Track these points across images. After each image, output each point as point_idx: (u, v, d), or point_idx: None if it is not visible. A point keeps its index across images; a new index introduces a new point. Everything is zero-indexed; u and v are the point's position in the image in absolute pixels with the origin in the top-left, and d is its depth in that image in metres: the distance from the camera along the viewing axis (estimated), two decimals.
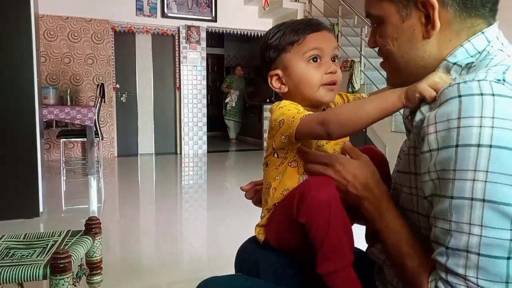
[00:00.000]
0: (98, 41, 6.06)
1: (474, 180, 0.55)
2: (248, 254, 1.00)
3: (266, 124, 7.24)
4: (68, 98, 5.67)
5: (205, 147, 6.92)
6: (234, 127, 8.48)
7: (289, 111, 0.84)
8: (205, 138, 6.93)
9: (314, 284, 0.82)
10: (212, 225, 3.28)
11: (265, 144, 7.23)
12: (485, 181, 0.55)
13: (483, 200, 0.55)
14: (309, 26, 0.90)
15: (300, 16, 6.44)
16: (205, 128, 6.93)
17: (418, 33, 0.69)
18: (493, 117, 0.55)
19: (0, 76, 2.91)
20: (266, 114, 7.24)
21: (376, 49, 0.79)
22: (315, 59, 0.89)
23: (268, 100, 7.69)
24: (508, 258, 0.54)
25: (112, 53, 6.21)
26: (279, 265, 0.92)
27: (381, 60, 0.80)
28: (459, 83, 0.59)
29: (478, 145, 0.55)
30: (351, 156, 0.83)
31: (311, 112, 0.84)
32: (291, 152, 0.88)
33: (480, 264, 0.55)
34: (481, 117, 0.56)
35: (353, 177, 0.78)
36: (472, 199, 0.55)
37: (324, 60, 0.90)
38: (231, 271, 1.03)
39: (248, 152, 7.20)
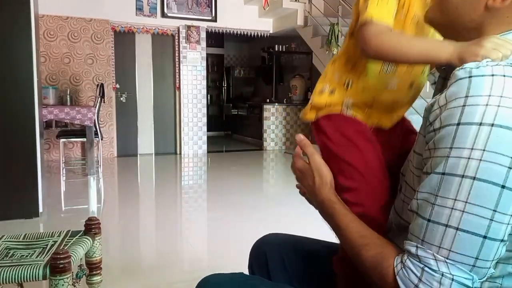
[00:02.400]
0: (98, 41, 6.06)
1: (469, 158, 0.55)
2: (260, 253, 1.06)
3: (266, 124, 7.24)
4: (68, 98, 5.68)
5: (205, 147, 6.92)
6: None
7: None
8: (205, 138, 6.93)
9: (325, 283, 0.84)
10: (212, 225, 3.28)
11: (265, 144, 7.24)
12: (480, 160, 0.54)
13: (474, 178, 0.55)
14: None
15: (300, 16, 6.44)
16: (205, 128, 6.93)
17: None
18: (501, 96, 0.55)
19: (0, 76, 2.91)
20: (266, 114, 7.25)
21: None
22: None
23: (268, 100, 7.68)
24: (484, 237, 0.55)
25: (112, 53, 6.20)
26: (288, 265, 0.97)
27: None
28: (472, 68, 0.58)
29: (480, 124, 0.55)
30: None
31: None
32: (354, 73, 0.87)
33: (456, 239, 0.56)
34: (489, 95, 0.55)
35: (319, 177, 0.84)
36: (463, 176, 0.55)
37: None
38: (232, 270, 1.03)
39: (248, 152, 7.20)
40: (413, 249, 0.59)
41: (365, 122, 0.89)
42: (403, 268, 0.60)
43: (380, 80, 0.86)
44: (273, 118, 7.28)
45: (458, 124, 0.56)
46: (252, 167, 5.96)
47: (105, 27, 6.08)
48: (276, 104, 7.38)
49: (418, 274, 0.58)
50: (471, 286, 0.56)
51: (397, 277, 0.60)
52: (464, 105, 0.56)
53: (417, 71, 0.89)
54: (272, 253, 1.05)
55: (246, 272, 0.98)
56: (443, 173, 0.57)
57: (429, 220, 0.58)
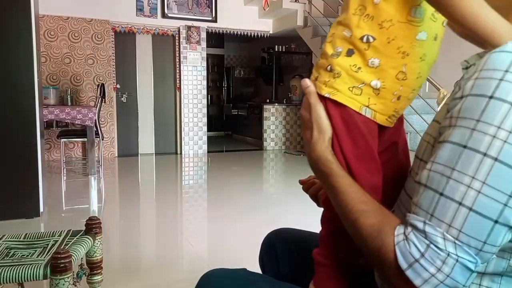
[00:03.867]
0: (98, 41, 6.07)
1: (494, 137, 0.53)
2: (270, 246, 1.07)
3: (266, 124, 7.25)
4: (69, 98, 5.69)
5: (205, 147, 6.93)
6: None
7: None
8: (205, 138, 6.94)
9: None
10: (212, 225, 3.29)
11: (265, 144, 7.24)
12: (505, 141, 0.53)
13: (496, 159, 0.53)
14: None
15: (300, 17, 6.44)
16: (205, 128, 6.93)
17: None
18: None
19: (0, 76, 2.92)
20: (266, 114, 7.25)
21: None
22: None
23: (268, 100, 7.69)
24: (496, 221, 0.53)
25: (113, 53, 6.21)
26: (297, 259, 0.98)
27: None
28: None
29: None
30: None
31: None
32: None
33: (467, 219, 0.54)
34: None
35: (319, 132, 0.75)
36: (485, 154, 0.53)
37: None
38: None
39: (248, 152, 7.21)
40: (420, 224, 0.56)
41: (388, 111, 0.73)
42: (405, 240, 0.57)
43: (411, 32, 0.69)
44: (273, 118, 7.29)
45: (491, 97, 0.54)
46: (252, 167, 5.96)
47: (105, 27, 6.09)
48: (276, 104, 7.39)
49: (422, 250, 0.55)
50: (473, 269, 0.55)
51: (396, 247, 0.57)
52: (501, 79, 0.54)
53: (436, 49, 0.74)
54: (282, 246, 1.05)
55: (252, 267, 0.99)
56: (465, 146, 0.55)
57: (441, 194, 0.56)
